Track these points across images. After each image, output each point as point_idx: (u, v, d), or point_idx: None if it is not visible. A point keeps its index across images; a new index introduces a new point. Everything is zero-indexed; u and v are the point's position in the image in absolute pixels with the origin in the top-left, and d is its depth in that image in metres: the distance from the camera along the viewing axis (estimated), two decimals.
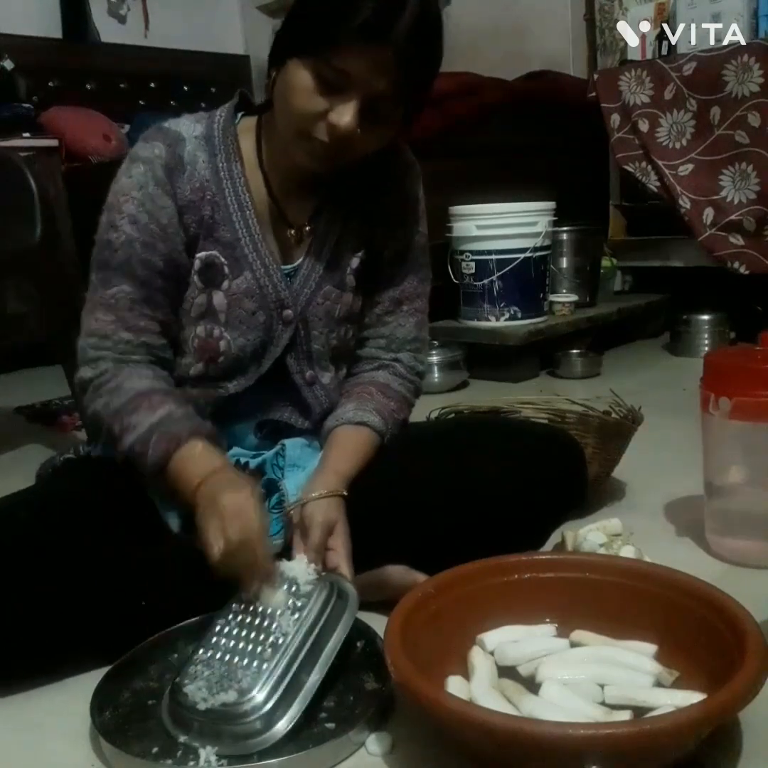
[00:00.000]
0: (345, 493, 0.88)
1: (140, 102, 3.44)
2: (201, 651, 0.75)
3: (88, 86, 3.33)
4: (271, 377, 0.96)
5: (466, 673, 0.76)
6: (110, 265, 0.90)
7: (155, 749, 0.71)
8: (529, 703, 0.69)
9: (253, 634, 0.75)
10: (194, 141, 0.91)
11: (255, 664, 0.72)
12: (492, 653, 0.79)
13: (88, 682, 0.80)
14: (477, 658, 0.77)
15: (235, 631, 0.76)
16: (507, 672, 0.76)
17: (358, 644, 0.83)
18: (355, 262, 0.98)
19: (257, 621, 0.76)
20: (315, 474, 0.90)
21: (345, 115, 0.80)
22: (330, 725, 0.73)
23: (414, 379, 1.03)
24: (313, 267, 0.96)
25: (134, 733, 0.74)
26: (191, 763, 0.68)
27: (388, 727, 0.73)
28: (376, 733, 0.72)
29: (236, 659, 0.73)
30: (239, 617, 0.77)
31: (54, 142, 2.77)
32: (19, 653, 0.83)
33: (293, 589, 0.78)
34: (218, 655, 0.74)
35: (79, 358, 0.92)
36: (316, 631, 0.75)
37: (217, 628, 0.77)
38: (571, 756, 0.59)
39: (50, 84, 3.20)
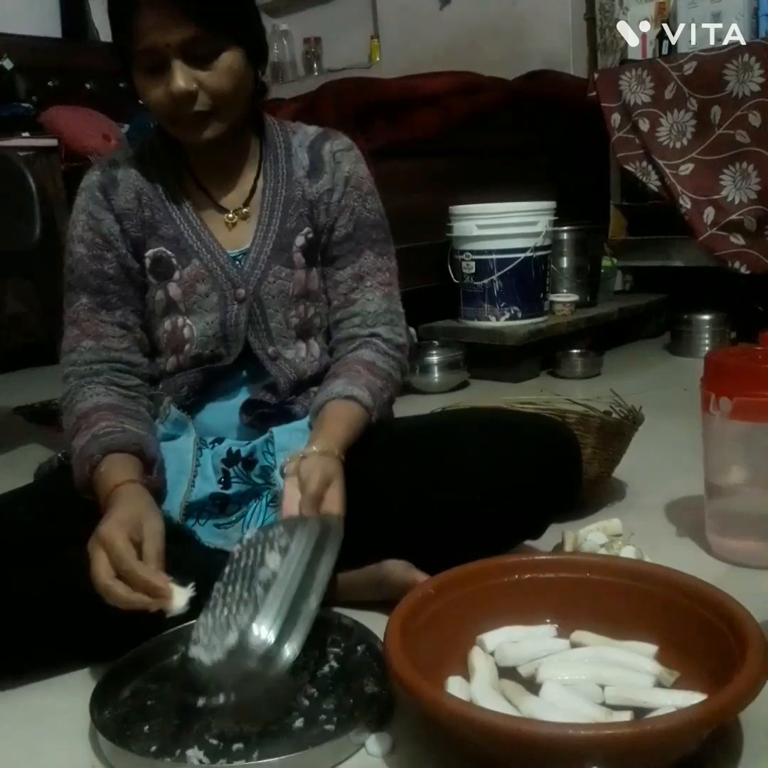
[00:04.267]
0: (342, 458, 0.88)
1: (139, 101, 3.43)
2: (201, 617, 0.75)
3: (87, 86, 3.33)
4: (238, 357, 1.00)
5: (466, 674, 0.76)
6: (70, 285, 0.99)
7: (154, 748, 0.71)
8: (529, 703, 0.69)
9: (245, 584, 0.75)
10: (127, 162, 1.01)
11: (250, 606, 0.72)
12: (492, 654, 0.79)
13: (88, 680, 0.80)
14: (477, 658, 0.77)
15: (228, 589, 0.76)
16: (507, 673, 0.76)
17: (359, 645, 0.83)
18: (300, 240, 1.01)
19: (247, 574, 0.76)
20: (311, 438, 0.90)
21: (174, 81, 0.87)
22: (330, 726, 0.73)
23: (396, 355, 1.03)
24: (260, 249, 1.00)
25: (134, 732, 0.74)
26: (190, 762, 0.68)
27: (388, 728, 0.73)
28: (377, 733, 0.72)
29: (233, 610, 0.73)
30: (231, 576, 0.77)
31: (53, 142, 2.77)
32: (17, 650, 0.84)
33: (276, 534, 0.78)
34: (216, 613, 0.74)
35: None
36: (305, 562, 0.75)
37: (213, 592, 0.77)
38: (572, 757, 0.59)
39: (49, 83, 3.20)
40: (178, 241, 0.98)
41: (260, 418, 0.99)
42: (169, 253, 0.98)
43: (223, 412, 1.00)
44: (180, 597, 0.75)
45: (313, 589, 0.74)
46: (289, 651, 0.70)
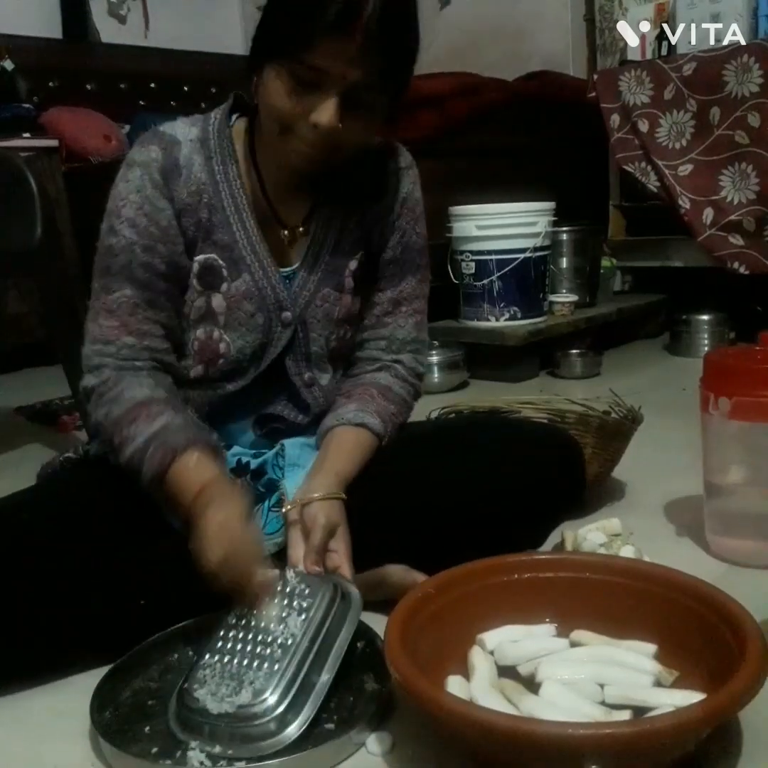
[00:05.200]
0: (345, 497, 0.88)
1: (140, 102, 3.44)
2: (207, 656, 0.75)
3: (88, 86, 3.33)
4: (270, 377, 0.97)
5: (466, 673, 0.76)
6: (111, 270, 0.90)
7: (155, 749, 0.71)
8: (529, 702, 0.69)
9: (260, 636, 0.74)
10: (190, 144, 0.91)
11: (266, 665, 0.72)
12: (492, 653, 0.79)
13: (88, 681, 0.80)
14: (477, 657, 0.77)
15: (240, 635, 0.75)
16: (507, 672, 0.76)
17: (358, 644, 0.83)
18: (353, 264, 0.98)
19: (263, 623, 0.76)
20: (314, 472, 0.90)
21: (325, 112, 0.80)
22: (330, 725, 0.73)
23: (415, 382, 1.03)
24: (311, 270, 0.96)
25: (134, 733, 0.74)
26: (191, 764, 0.68)
27: (388, 727, 0.73)
28: (377, 733, 0.72)
29: (246, 661, 0.73)
30: (243, 620, 0.76)
31: (54, 143, 2.77)
32: (19, 652, 0.83)
33: (297, 590, 0.78)
34: (226, 659, 0.74)
35: (83, 366, 0.92)
36: (324, 631, 0.75)
37: (222, 632, 0.77)
38: (571, 756, 0.59)
39: (50, 84, 3.20)
40: (231, 250, 0.91)
41: (272, 431, 0.98)
42: (221, 262, 0.92)
43: (236, 423, 0.99)
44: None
45: (328, 663, 0.74)
46: (295, 727, 0.69)
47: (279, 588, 0.79)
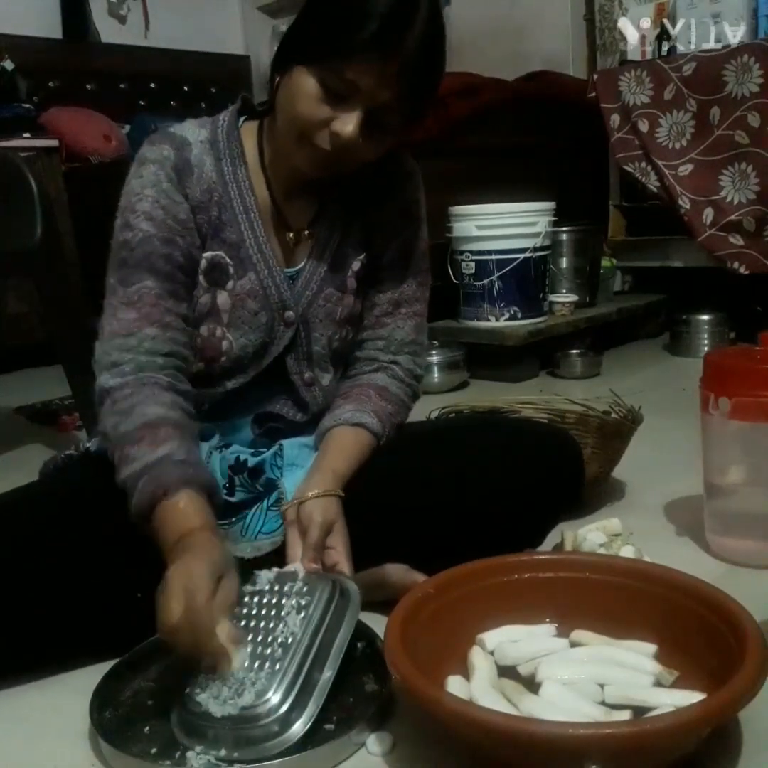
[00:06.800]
0: (342, 494, 0.88)
1: (140, 102, 3.45)
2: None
3: (88, 86, 3.33)
4: (270, 376, 0.97)
5: (466, 673, 0.76)
6: (128, 263, 0.88)
7: (154, 750, 0.71)
8: (529, 702, 0.69)
9: (260, 637, 0.74)
10: (200, 145, 0.92)
11: (267, 665, 0.71)
12: (492, 653, 0.79)
13: (88, 681, 0.80)
14: (477, 657, 0.77)
15: None
16: (507, 672, 0.76)
17: (358, 644, 0.83)
18: (356, 265, 0.98)
19: (263, 623, 0.75)
20: (312, 472, 0.90)
21: (348, 124, 0.81)
22: (330, 726, 0.73)
23: (412, 382, 1.03)
24: (315, 270, 0.97)
25: (133, 734, 0.74)
26: (190, 764, 0.68)
27: (388, 727, 0.73)
28: (377, 733, 0.72)
29: (247, 662, 0.72)
30: (242, 622, 0.76)
31: (54, 143, 2.78)
32: (19, 649, 0.83)
33: (294, 588, 0.78)
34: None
35: (98, 364, 0.88)
36: (323, 628, 0.75)
37: None
38: (571, 756, 0.59)
39: (50, 84, 3.21)
40: (238, 249, 0.92)
41: (270, 431, 0.98)
42: (228, 260, 0.92)
43: (235, 421, 0.99)
44: (238, 659, 0.71)
45: (329, 660, 0.73)
46: (299, 726, 0.69)
47: (277, 588, 0.79)
